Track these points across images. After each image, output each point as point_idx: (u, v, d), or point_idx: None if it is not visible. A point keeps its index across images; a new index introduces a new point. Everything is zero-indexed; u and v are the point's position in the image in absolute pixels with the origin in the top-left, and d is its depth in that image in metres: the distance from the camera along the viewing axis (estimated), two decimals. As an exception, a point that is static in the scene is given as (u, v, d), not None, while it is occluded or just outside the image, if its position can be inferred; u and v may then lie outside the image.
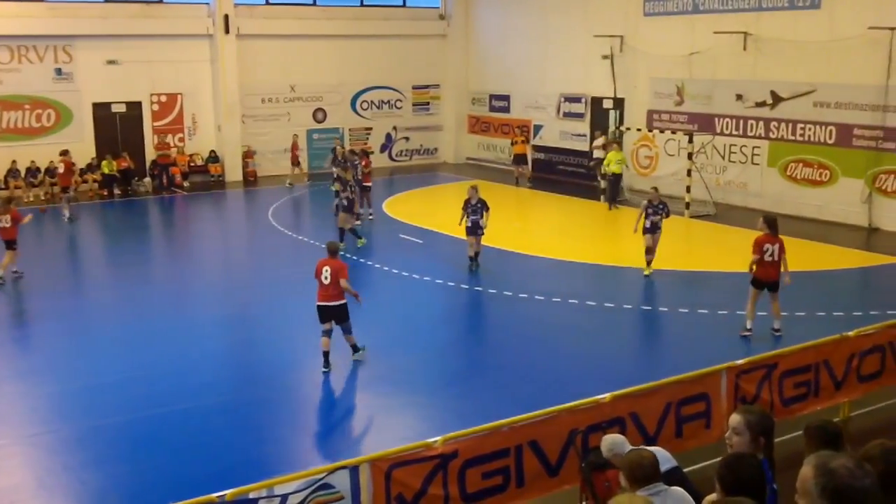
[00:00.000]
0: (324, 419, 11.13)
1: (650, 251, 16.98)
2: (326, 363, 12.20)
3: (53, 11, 26.51)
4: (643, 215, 16.94)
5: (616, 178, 24.27)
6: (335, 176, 22.40)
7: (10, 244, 17.14)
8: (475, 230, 17.56)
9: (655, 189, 17.81)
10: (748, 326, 13.25)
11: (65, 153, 24.34)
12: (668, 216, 17.15)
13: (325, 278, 12.19)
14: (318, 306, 12.27)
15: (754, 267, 13.03)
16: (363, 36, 31.27)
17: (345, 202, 19.78)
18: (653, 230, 16.93)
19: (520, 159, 28.52)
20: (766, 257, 12.91)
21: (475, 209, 17.52)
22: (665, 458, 6.62)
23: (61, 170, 24.09)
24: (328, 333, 12.23)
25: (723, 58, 23.79)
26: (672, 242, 18.46)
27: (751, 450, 5.20)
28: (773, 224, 13.08)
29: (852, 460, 3.44)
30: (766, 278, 13.02)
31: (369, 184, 22.88)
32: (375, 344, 13.52)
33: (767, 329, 13.26)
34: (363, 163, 22.92)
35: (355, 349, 12.58)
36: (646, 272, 16.94)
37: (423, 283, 17.02)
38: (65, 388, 11.92)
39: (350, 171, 21.44)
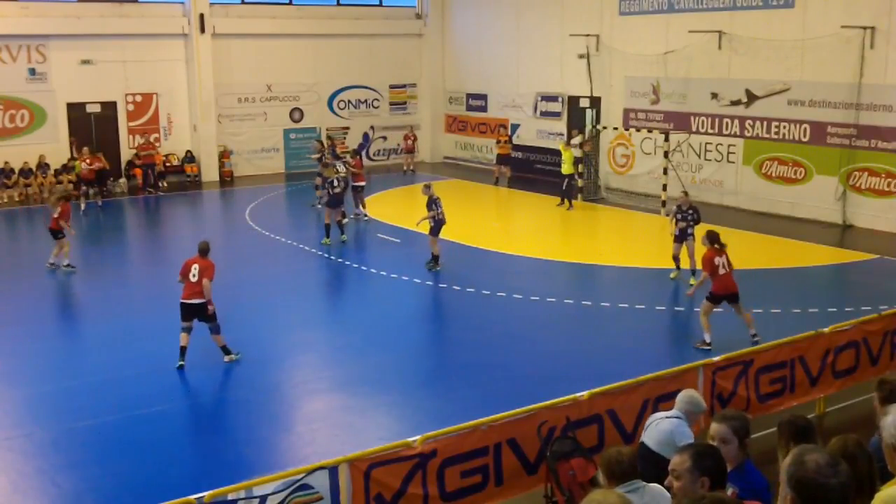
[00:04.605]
0: (302, 420, 11.08)
1: (677, 259, 15.84)
2: (182, 357, 12.22)
3: (26, 11, 26.17)
4: (673, 221, 15.93)
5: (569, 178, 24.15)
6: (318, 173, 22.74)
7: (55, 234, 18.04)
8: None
9: (685, 193, 16.55)
10: (707, 340, 12.74)
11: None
12: (697, 223, 15.72)
13: (193, 276, 12.30)
14: (182, 303, 12.34)
15: (705, 279, 12.88)
16: (339, 35, 31.17)
17: (324, 198, 20.09)
18: (682, 237, 15.73)
19: (503, 160, 28.54)
20: (720, 271, 12.73)
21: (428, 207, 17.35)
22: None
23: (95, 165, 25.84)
24: (188, 330, 12.31)
25: (698, 56, 23.93)
26: (649, 240, 18.54)
27: (740, 456, 5.07)
28: (715, 239, 12.88)
29: (828, 457, 3.48)
30: (724, 291, 12.77)
31: (362, 183, 22.74)
32: (352, 344, 13.51)
33: (747, 337, 12.82)
34: (353, 162, 22.83)
35: (226, 351, 12.52)
36: (678, 278, 15.97)
37: (401, 282, 16.99)
38: (38, 390, 11.79)
39: (332, 168, 21.31)
